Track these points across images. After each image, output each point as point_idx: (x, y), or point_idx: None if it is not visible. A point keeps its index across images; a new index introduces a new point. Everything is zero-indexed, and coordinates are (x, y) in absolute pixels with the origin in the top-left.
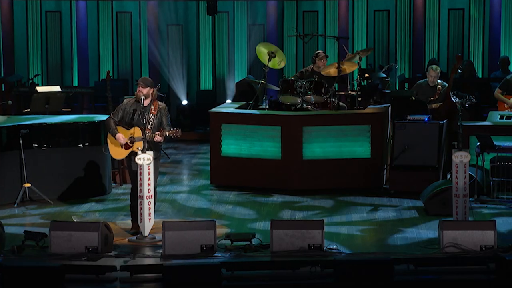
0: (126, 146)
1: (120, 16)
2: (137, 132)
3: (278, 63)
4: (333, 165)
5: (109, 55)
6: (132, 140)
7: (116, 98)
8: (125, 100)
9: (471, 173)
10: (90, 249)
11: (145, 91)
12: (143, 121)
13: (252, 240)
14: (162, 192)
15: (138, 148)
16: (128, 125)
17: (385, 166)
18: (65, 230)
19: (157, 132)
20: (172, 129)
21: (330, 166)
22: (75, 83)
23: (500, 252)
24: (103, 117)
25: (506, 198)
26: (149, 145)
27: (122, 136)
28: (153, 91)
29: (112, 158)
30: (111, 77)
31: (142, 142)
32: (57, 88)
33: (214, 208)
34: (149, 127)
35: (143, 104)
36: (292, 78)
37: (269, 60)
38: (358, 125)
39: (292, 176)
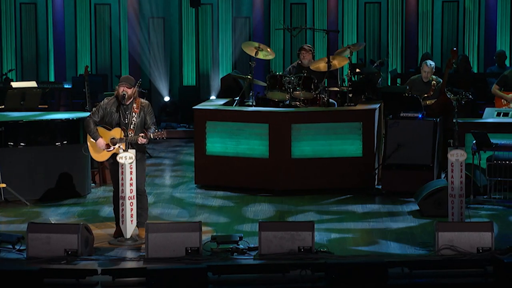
0: (107, 147)
1: (99, 8)
2: (119, 132)
3: (266, 55)
4: (323, 164)
5: (87, 49)
6: (114, 142)
7: (95, 94)
8: (105, 99)
9: (467, 172)
10: (70, 252)
11: (130, 91)
12: (125, 121)
13: (239, 242)
14: None
15: (119, 147)
16: (109, 125)
17: (378, 165)
18: (43, 232)
19: (141, 134)
20: (157, 130)
21: (320, 165)
22: (51, 79)
23: (498, 254)
24: (82, 114)
25: (503, 198)
26: (133, 146)
27: (102, 141)
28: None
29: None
30: (90, 73)
31: (124, 143)
32: (33, 84)
33: (199, 209)
34: (131, 127)
35: (124, 103)
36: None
37: (256, 54)
38: (349, 122)
39: (280, 176)
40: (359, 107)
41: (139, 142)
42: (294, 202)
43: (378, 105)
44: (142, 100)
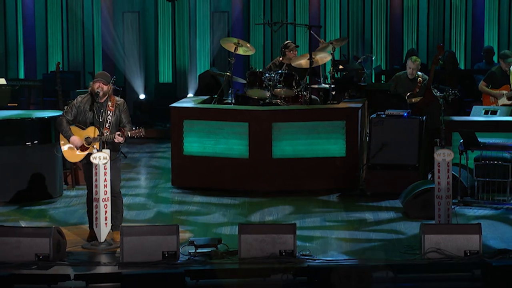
0: (82, 147)
1: (71, 1)
2: (93, 131)
3: (245, 51)
4: (305, 165)
5: (58, 44)
6: (89, 141)
7: (67, 91)
8: (78, 97)
9: (454, 172)
10: (41, 257)
11: (106, 88)
12: (100, 119)
13: (218, 246)
14: None
15: (93, 146)
16: (83, 124)
17: (362, 166)
18: (13, 236)
19: (118, 132)
20: (134, 128)
21: (302, 166)
22: (21, 76)
23: (486, 257)
24: (53, 113)
25: (491, 199)
26: (107, 145)
27: (77, 138)
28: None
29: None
30: (61, 69)
31: (99, 143)
32: (2, 81)
33: (176, 212)
34: (106, 125)
35: (99, 101)
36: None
37: (235, 49)
38: (332, 121)
39: (261, 177)
40: (342, 105)
41: (116, 141)
42: (274, 204)
43: (362, 103)
44: (117, 98)
